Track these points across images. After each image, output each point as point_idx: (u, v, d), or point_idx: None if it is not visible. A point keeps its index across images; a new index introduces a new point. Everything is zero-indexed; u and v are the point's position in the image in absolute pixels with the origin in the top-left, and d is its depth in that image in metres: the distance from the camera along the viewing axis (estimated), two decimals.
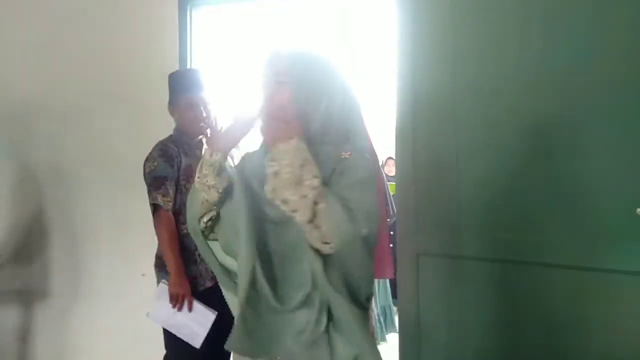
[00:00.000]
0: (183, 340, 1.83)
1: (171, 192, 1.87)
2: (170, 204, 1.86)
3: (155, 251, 1.97)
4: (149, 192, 1.86)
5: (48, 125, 2.44)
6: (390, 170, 4.69)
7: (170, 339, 1.88)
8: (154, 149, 1.93)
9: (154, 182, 1.85)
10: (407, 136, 1.89)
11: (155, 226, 1.88)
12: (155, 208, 1.86)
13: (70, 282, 2.41)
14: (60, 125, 2.43)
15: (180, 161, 1.90)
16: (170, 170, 1.87)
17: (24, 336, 2.45)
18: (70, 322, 2.40)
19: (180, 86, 1.93)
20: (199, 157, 1.26)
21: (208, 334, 1.81)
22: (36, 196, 2.38)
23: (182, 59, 2.27)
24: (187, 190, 1.59)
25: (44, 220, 2.44)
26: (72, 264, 2.41)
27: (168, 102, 1.97)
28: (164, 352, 1.95)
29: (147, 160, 1.92)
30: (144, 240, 2.29)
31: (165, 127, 2.31)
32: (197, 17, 2.33)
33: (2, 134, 2.49)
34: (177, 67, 2.26)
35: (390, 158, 4.82)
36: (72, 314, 2.40)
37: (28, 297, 2.45)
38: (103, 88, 2.38)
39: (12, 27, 2.52)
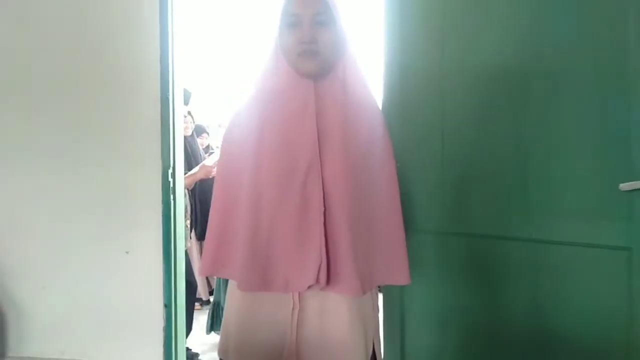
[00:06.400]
0: None
1: None
2: None
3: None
4: None
5: (24, 112, 2.41)
6: None
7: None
8: None
9: None
10: (394, 114, 1.90)
11: None
12: None
13: (51, 258, 2.40)
14: (36, 112, 2.40)
15: None
16: None
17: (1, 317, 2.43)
18: (50, 300, 2.40)
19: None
20: None
21: None
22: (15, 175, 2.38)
23: (164, 46, 2.26)
24: None
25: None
26: (54, 239, 2.40)
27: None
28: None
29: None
30: (127, 218, 2.32)
31: (146, 112, 2.32)
32: (179, 4, 2.32)
33: None
34: (158, 55, 2.25)
35: None
36: (51, 292, 2.40)
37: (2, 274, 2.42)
38: (84, 75, 2.35)
39: None
